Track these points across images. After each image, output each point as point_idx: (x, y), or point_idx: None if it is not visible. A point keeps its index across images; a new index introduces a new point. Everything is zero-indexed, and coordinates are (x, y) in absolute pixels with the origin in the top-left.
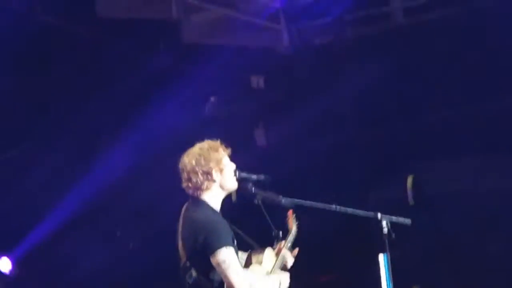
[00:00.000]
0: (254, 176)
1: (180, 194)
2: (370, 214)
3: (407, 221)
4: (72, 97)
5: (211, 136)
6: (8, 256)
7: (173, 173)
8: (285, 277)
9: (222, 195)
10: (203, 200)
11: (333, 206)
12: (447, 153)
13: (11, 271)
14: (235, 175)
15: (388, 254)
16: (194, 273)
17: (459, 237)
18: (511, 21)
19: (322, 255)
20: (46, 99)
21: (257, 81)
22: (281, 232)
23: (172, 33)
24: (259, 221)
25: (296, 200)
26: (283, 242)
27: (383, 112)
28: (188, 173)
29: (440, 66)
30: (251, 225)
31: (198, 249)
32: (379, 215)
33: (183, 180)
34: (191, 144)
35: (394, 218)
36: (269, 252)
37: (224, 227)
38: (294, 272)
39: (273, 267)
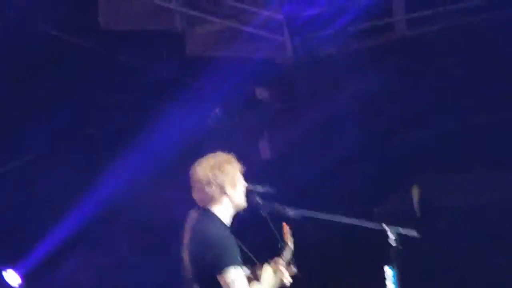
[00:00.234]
0: (260, 188)
1: (185, 205)
2: (377, 225)
3: (414, 233)
4: (72, 109)
5: (215, 148)
6: (14, 269)
7: (178, 184)
8: (284, 272)
9: (232, 210)
10: (214, 213)
11: (339, 217)
12: (453, 166)
13: (20, 285)
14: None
15: (395, 266)
16: (197, 287)
17: (466, 250)
18: None
19: (328, 268)
20: (50, 110)
21: (261, 93)
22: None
23: (176, 45)
24: (265, 233)
25: (303, 211)
26: (280, 258)
27: (388, 124)
28: (202, 184)
29: (445, 77)
30: (257, 237)
31: (205, 265)
32: (385, 226)
33: (195, 190)
34: (195, 156)
35: (401, 230)
36: (267, 269)
37: (234, 245)
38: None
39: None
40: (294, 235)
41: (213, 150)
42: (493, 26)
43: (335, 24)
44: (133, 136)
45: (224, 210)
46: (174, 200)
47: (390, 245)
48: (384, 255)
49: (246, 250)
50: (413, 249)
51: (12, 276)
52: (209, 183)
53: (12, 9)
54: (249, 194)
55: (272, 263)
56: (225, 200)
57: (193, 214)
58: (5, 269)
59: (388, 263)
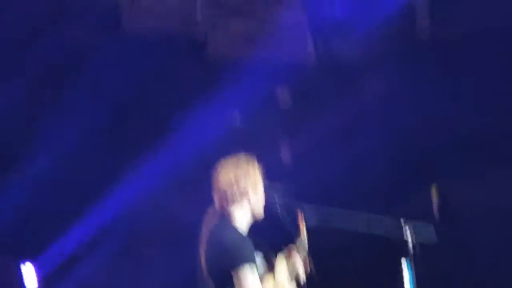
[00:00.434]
0: (278, 185)
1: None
2: (394, 220)
3: (434, 239)
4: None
5: (236, 150)
6: (33, 264)
7: (200, 186)
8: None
9: (250, 216)
10: (231, 219)
11: (358, 213)
12: (475, 167)
13: (36, 282)
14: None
15: (414, 272)
16: (212, 286)
17: (485, 252)
18: None
19: (344, 261)
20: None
21: (283, 93)
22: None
23: (197, 45)
24: (282, 231)
25: (320, 207)
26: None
27: (409, 126)
28: (224, 186)
29: (467, 79)
30: (274, 236)
31: (221, 266)
32: (402, 221)
33: (216, 192)
34: (217, 158)
35: (417, 225)
36: (280, 261)
37: (249, 247)
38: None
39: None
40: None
41: (234, 152)
42: None
43: (358, 27)
44: (155, 138)
45: (243, 215)
46: (194, 203)
47: (407, 243)
48: (402, 250)
49: (262, 242)
50: (431, 250)
51: (29, 273)
52: (231, 186)
53: None
54: (267, 192)
55: (286, 250)
56: (245, 204)
57: (211, 216)
58: (23, 262)
59: (405, 260)
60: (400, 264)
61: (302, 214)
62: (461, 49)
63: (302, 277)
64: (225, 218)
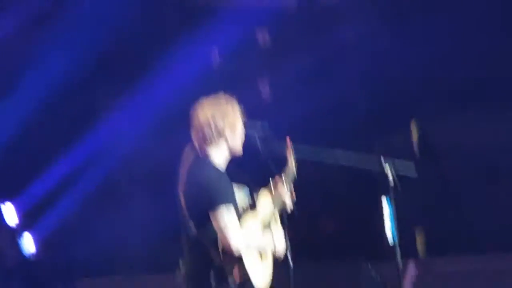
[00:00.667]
0: (258, 124)
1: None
2: (373, 157)
3: (413, 173)
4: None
5: (216, 91)
6: (13, 204)
7: (181, 129)
8: (270, 212)
9: (227, 154)
10: (209, 157)
11: (337, 151)
12: (453, 104)
13: (16, 219)
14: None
15: (393, 204)
16: (193, 227)
17: (463, 185)
18: None
19: (325, 200)
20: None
21: (262, 36)
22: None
23: None
24: (263, 169)
25: (300, 146)
26: (281, 177)
27: (388, 65)
28: (201, 126)
29: (445, 20)
30: (254, 174)
31: (199, 205)
32: (382, 158)
33: (193, 130)
34: (197, 97)
35: (397, 161)
36: (264, 194)
37: (226, 186)
38: (298, 219)
39: (271, 207)
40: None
41: (213, 91)
42: None
43: None
44: (136, 83)
45: (220, 154)
46: (174, 143)
47: (388, 178)
48: (381, 187)
49: (246, 177)
50: (411, 186)
51: (9, 211)
52: (208, 124)
53: None
54: (247, 130)
55: (273, 181)
56: (222, 144)
57: (189, 155)
58: (3, 202)
59: (385, 195)
60: (380, 200)
61: (291, 143)
62: None
63: (289, 206)
64: (202, 156)
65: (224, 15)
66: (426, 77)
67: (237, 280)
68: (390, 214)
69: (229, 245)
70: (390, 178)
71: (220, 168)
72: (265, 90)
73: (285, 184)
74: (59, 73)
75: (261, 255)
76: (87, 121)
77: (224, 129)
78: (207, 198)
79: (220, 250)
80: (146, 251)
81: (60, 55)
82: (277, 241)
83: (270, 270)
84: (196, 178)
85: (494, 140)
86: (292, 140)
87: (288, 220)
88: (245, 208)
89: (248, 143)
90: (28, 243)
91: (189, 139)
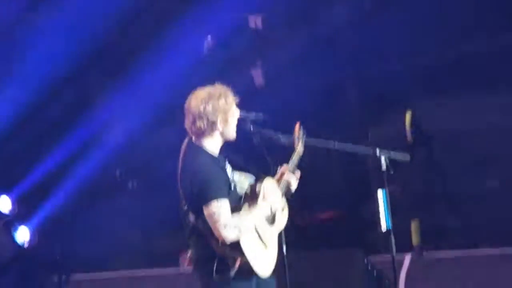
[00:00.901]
0: (252, 115)
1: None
2: (369, 150)
3: (406, 156)
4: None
5: (209, 78)
6: (6, 194)
7: (173, 117)
8: (277, 200)
9: (221, 142)
10: (203, 146)
11: (332, 143)
12: (446, 90)
13: (11, 211)
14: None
15: (387, 189)
16: (192, 217)
17: (458, 173)
18: None
19: (321, 192)
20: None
21: (255, 21)
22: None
23: None
24: (258, 160)
25: (295, 138)
26: (288, 164)
27: (381, 49)
28: (194, 117)
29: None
30: (249, 164)
31: (194, 197)
32: (377, 150)
33: (187, 121)
34: (189, 85)
35: (392, 154)
36: (268, 182)
37: (219, 177)
38: (293, 210)
39: (275, 196)
40: (286, 161)
41: (206, 79)
42: None
43: None
44: (128, 70)
45: (213, 143)
46: (172, 135)
47: (382, 169)
48: (377, 179)
49: (244, 166)
50: (405, 173)
51: (4, 203)
52: (200, 117)
53: None
54: (241, 121)
55: (280, 170)
56: (216, 134)
57: (185, 144)
58: None
59: (380, 187)
60: (376, 193)
61: (300, 127)
62: None
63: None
64: (196, 144)
65: (217, 2)
66: (419, 64)
67: (236, 266)
68: (385, 208)
69: (221, 237)
70: (383, 161)
71: (213, 155)
72: (257, 77)
73: (291, 171)
74: (52, 63)
75: (263, 241)
76: (82, 111)
77: (216, 120)
78: (199, 191)
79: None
80: (143, 243)
81: (53, 44)
82: (281, 228)
83: (274, 256)
84: (189, 167)
85: (489, 127)
86: (284, 130)
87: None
88: (248, 196)
89: (244, 133)
90: (22, 235)
91: (184, 128)
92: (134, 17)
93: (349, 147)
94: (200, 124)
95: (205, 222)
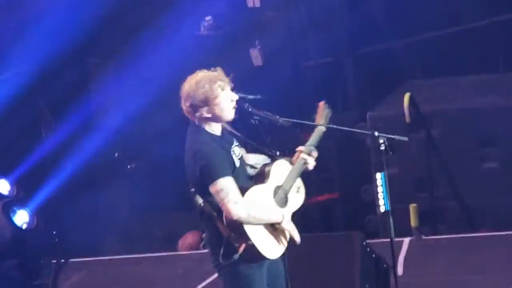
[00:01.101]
0: (250, 96)
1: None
2: (367, 132)
3: (404, 138)
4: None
5: (206, 57)
6: (5, 178)
7: (171, 99)
8: (288, 181)
9: (218, 123)
10: (202, 126)
11: (331, 125)
12: (444, 71)
13: (9, 193)
14: (237, 105)
15: (386, 172)
16: (199, 199)
17: (456, 154)
18: None
19: (319, 175)
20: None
21: (253, 0)
22: (278, 152)
23: None
24: (256, 141)
25: (294, 120)
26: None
27: (379, 29)
28: (185, 100)
29: None
30: (246, 146)
31: (198, 178)
32: (376, 133)
33: (183, 102)
34: (188, 66)
35: (391, 135)
36: (279, 163)
37: (220, 156)
38: None
39: (287, 177)
40: (285, 143)
41: (205, 60)
42: None
43: None
44: (126, 52)
45: (211, 123)
46: (169, 117)
47: (381, 151)
48: (375, 162)
49: (259, 147)
50: (404, 155)
51: (1, 185)
52: (190, 102)
53: None
54: (239, 102)
55: (297, 152)
56: (208, 116)
57: (188, 128)
58: None
59: (379, 170)
60: (374, 176)
61: (325, 106)
62: None
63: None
64: (196, 127)
65: None
66: (418, 43)
67: (241, 250)
68: (384, 192)
69: (230, 216)
70: (381, 142)
71: (214, 134)
72: (255, 57)
73: (307, 151)
74: (50, 45)
75: (272, 223)
76: (80, 93)
77: (203, 105)
78: (202, 170)
79: (224, 218)
80: (140, 227)
81: (51, 23)
82: (294, 208)
83: (285, 239)
84: (189, 148)
85: (489, 107)
86: (281, 112)
87: None
88: (258, 178)
89: (241, 114)
90: (21, 218)
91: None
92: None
93: (347, 129)
94: (192, 107)
95: (211, 204)
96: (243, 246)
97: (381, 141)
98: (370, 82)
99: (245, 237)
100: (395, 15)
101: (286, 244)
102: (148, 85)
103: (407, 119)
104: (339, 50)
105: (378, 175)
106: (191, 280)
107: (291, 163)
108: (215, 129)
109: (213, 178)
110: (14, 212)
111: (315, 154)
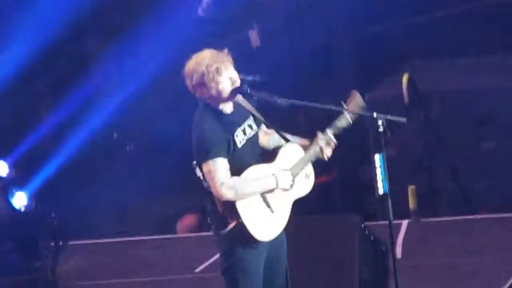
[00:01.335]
0: (249, 77)
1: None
2: (366, 113)
3: (403, 119)
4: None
5: (205, 38)
6: (4, 160)
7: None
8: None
9: (222, 102)
10: (206, 104)
11: (329, 106)
12: (442, 52)
13: (7, 175)
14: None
15: (384, 153)
16: (199, 172)
17: (455, 135)
18: None
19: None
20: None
21: None
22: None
23: None
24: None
25: (293, 101)
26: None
27: (377, 10)
28: (188, 79)
29: None
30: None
31: (195, 154)
32: (374, 114)
33: (187, 81)
34: (186, 47)
35: (389, 117)
36: (290, 146)
37: (215, 136)
38: None
39: (298, 162)
40: (283, 123)
41: (203, 41)
42: None
43: None
44: (125, 33)
45: (213, 101)
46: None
47: (380, 133)
48: (373, 143)
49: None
50: (403, 136)
51: (0, 166)
52: (191, 79)
53: None
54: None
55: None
56: (206, 96)
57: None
58: None
59: (377, 151)
60: (373, 157)
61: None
62: None
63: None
64: (202, 104)
65: None
66: (415, 24)
67: (230, 226)
68: (382, 173)
69: (218, 196)
70: (380, 123)
71: (221, 112)
72: (254, 39)
73: (325, 139)
74: (48, 26)
75: (269, 206)
76: (79, 74)
77: (203, 85)
78: (196, 147)
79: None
80: (140, 209)
81: (49, 6)
82: (299, 194)
83: (281, 222)
84: (193, 125)
85: (486, 87)
86: (279, 93)
87: None
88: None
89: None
90: (19, 200)
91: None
92: None
93: (345, 109)
94: (193, 87)
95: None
96: (234, 223)
97: (380, 122)
98: (368, 64)
99: (236, 215)
100: None
101: (283, 225)
102: (147, 66)
103: (406, 100)
104: (336, 31)
105: (377, 157)
106: (190, 262)
107: (305, 148)
108: (223, 106)
109: (204, 159)
110: (13, 194)
111: (333, 144)
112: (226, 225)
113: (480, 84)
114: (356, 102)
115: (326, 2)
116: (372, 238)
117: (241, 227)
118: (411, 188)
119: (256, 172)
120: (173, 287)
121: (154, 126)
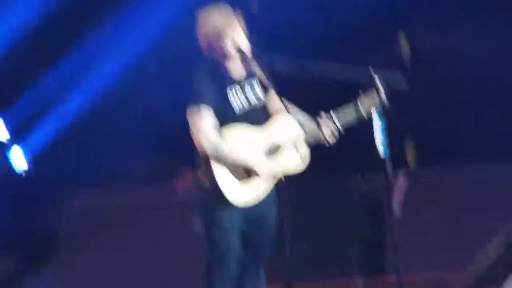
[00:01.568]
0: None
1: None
2: (362, 70)
3: (401, 76)
4: None
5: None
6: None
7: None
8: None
9: (229, 61)
10: (212, 59)
11: (328, 64)
12: (443, 17)
13: (8, 140)
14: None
15: (384, 114)
16: None
17: (455, 98)
18: None
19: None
20: None
21: None
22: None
23: None
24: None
25: (291, 58)
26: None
27: None
28: (204, 32)
29: None
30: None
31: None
32: (372, 71)
33: (200, 39)
34: (187, 15)
35: (387, 73)
36: (285, 117)
37: (202, 82)
38: None
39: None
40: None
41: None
42: None
43: None
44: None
45: (216, 59)
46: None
47: (377, 89)
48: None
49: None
50: (403, 101)
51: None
52: (200, 34)
53: None
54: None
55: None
56: (214, 54)
57: None
58: None
59: (375, 107)
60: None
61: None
62: None
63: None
64: (211, 62)
65: None
66: None
67: (206, 184)
68: (382, 129)
69: (197, 144)
70: (380, 88)
71: (220, 68)
72: (252, 8)
73: (330, 126)
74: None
75: (248, 171)
76: (78, 34)
77: (208, 48)
78: (188, 93)
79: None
80: (140, 161)
81: None
82: (284, 166)
83: (260, 188)
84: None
85: (487, 50)
86: (277, 52)
87: None
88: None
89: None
90: (18, 158)
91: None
92: None
93: (342, 67)
94: (202, 38)
95: None
96: (207, 181)
97: (377, 80)
98: (366, 28)
99: (211, 174)
100: None
101: (264, 193)
102: (135, 43)
103: (407, 64)
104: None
105: (375, 115)
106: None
107: (303, 126)
108: (227, 65)
109: (190, 103)
110: (11, 152)
111: (336, 135)
112: (201, 181)
113: (483, 49)
114: (372, 100)
115: None
116: (371, 195)
117: (214, 187)
118: (410, 144)
119: (241, 140)
120: None
121: (158, 84)
